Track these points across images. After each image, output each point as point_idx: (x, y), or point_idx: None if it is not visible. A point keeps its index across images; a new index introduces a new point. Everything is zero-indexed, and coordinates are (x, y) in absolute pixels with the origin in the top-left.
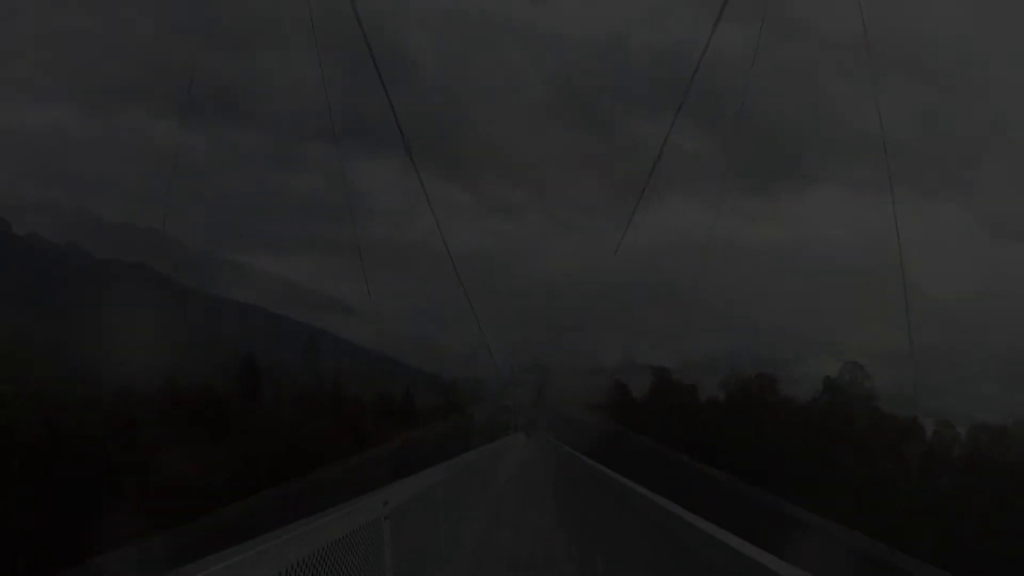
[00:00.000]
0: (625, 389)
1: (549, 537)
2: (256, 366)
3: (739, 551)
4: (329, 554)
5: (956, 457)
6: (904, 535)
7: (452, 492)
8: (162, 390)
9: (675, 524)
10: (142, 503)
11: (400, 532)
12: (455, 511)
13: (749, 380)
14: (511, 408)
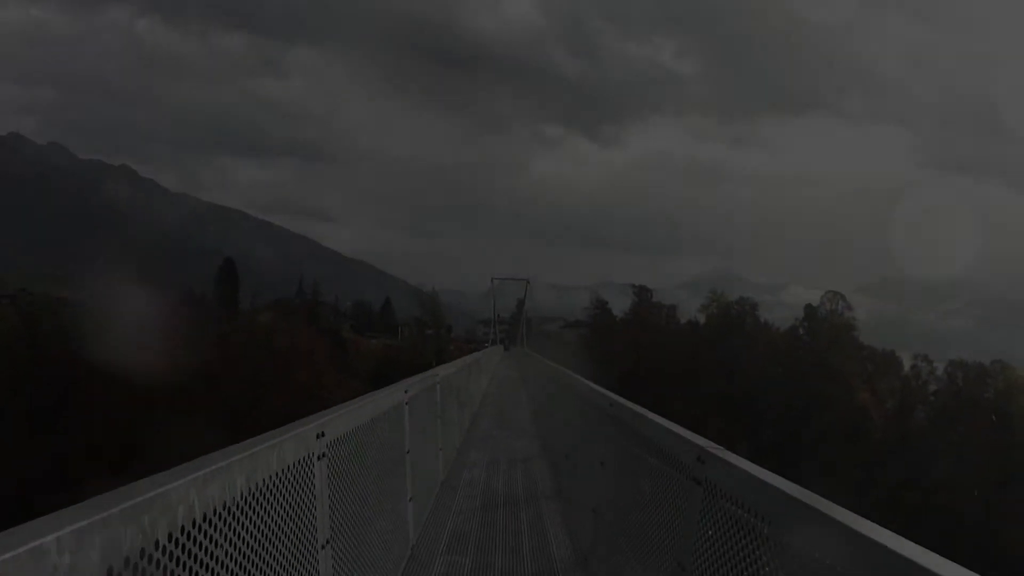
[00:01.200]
0: (605, 306)
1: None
2: (235, 271)
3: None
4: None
5: (932, 392)
6: (874, 472)
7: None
8: (140, 292)
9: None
10: (111, 402)
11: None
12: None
13: (730, 304)
14: (490, 321)
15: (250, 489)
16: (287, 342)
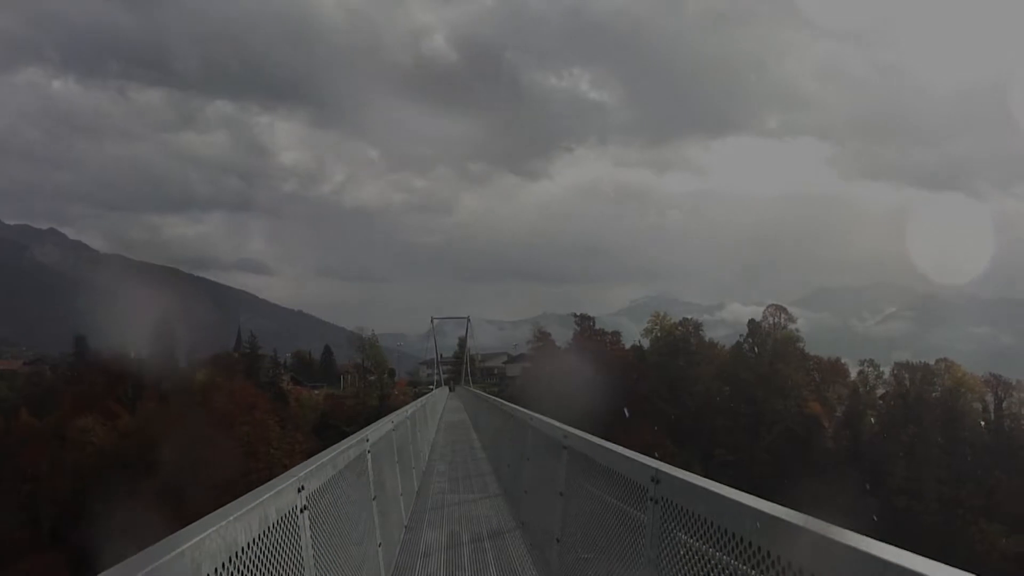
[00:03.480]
0: (547, 338)
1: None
2: (171, 329)
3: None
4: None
5: (881, 396)
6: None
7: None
8: (73, 355)
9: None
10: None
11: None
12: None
13: (673, 326)
14: (433, 362)
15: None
16: (226, 398)
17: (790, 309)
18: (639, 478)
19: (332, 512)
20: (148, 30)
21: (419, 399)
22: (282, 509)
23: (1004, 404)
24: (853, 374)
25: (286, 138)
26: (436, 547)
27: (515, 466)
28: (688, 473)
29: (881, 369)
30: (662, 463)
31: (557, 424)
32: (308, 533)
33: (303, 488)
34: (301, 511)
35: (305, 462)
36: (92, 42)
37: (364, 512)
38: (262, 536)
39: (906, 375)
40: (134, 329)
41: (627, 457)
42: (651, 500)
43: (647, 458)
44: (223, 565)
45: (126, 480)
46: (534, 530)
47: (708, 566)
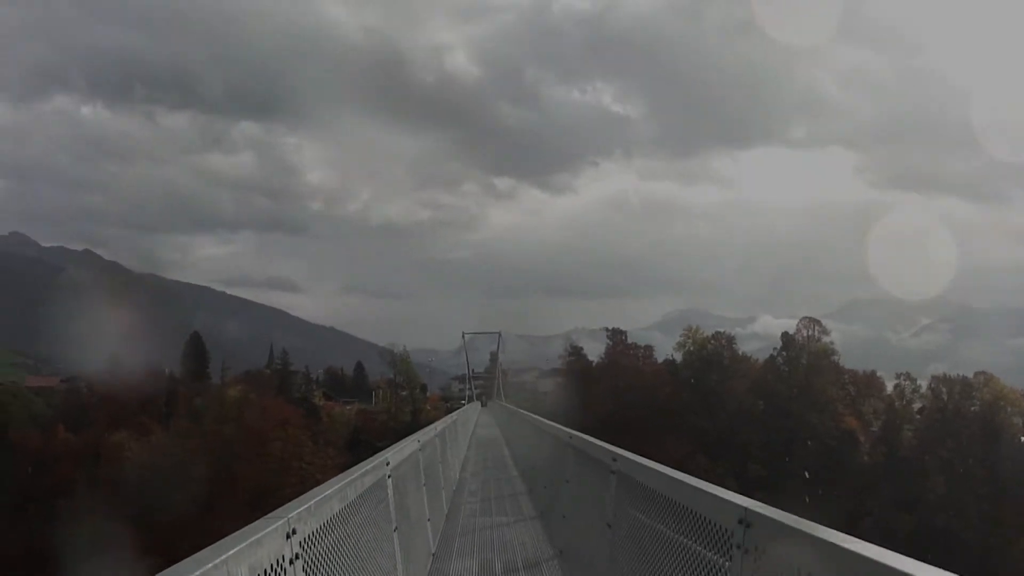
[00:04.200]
0: (580, 352)
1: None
2: (203, 345)
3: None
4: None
5: (918, 410)
6: (865, 498)
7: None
8: (111, 374)
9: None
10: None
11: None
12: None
13: (706, 340)
14: (464, 377)
15: None
16: (258, 414)
17: (823, 322)
18: (721, 519)
19: (337, 554)
20: (172, 55)
21: (451, 414)
22: (261, 564)
23: None
24: (889, 388)
25: (312, 157)
26: None
27: (551, 488)
28: (789, 515)
29: (918, 383)
30: (753, 501)
31: (602, 444)
32: None
33: (294, 532)
34: (291, 562)
35: (299, 498)
36: (118, 68)
37: (384, 545)
38: None
39: (944, 389)
40: (168, 346)
41: (709, 493)
42: (737, 547)
43: (734, 495)
44: None
45: (159, 496)
46: (573, 562)
47: None
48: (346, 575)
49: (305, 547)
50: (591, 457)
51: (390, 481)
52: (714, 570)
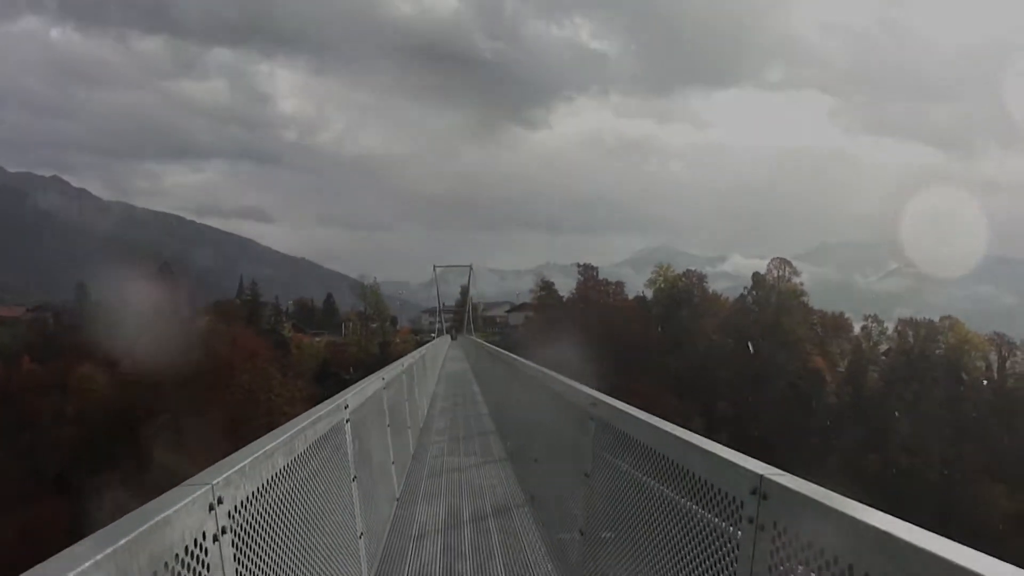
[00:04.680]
0: (551, 287)
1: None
2: (172, 274)
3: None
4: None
5: (884, 352)
6: (830, 438)
7: None
8: (78, 303)
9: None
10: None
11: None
12: None
13: (677, 277)
14: (435, 310)
15: None
16: (227, 345)
17: (793, 263)
18: (732, 488)
19: (280, 518)
20: None
21: (420, 348)
22: (171, 547)
23: (1008, 363)
24: (856, 329)
25: (286, 86)
26: (432, 528)
27: (522, 429)
28: (802, 482)
29: (884, 325)
30: (770, 468)
31: (580, 387)
32: (232, 566)
33: (220, 501)
34: (215, 539)
35: (229, 457)
36: None
37: (340, 497)
38: None
39: (910, 332)
40: (136, 276)
41: (722, 458)
42: (747, 521)
43: (749, 460)
44: None
45: (128, 427)
46: (547, 509)
47: None
48: (291, 540)
49: (236, 517)
50: (567, 401)
51: (348, 426)
52: (721, 538)
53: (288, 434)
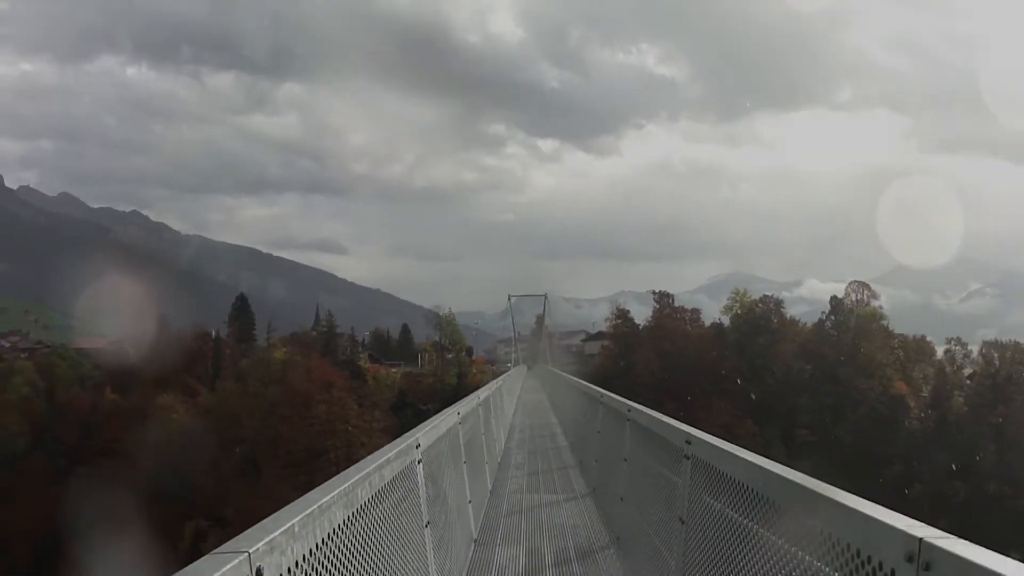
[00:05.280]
0: (626, 315)
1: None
2: (248, 306)
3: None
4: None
5: (968, 376)
6: (914, 465)
7: None
8: (158, 335)
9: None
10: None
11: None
12: None
13: (753, 303)
14: (510, 340)
15: None
16: (304, 376)
17: (871, 286)
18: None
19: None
20: (217, 15)
21: (496, 379)
22: None
23: None
24: (939, 353)
25: (356, 120)
26: (512, 572)
27: (605, 465)
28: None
29: (968, 348)
30: (929, 528)
31: (670, 421)
32: None
33: (258, 574)
34: None
35: (269, 519)
36: (163, 29)
37: (412, 546)
38: None
39: (995, 354)
40: (214, 308)
41: (863, 514)
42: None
43: (900, 517)
44: None
45: (206, 457)
46: (635, 556)
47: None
48: None
49: None
50: (656, 435)
51: (420, 467)
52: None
53: (350, 481)
